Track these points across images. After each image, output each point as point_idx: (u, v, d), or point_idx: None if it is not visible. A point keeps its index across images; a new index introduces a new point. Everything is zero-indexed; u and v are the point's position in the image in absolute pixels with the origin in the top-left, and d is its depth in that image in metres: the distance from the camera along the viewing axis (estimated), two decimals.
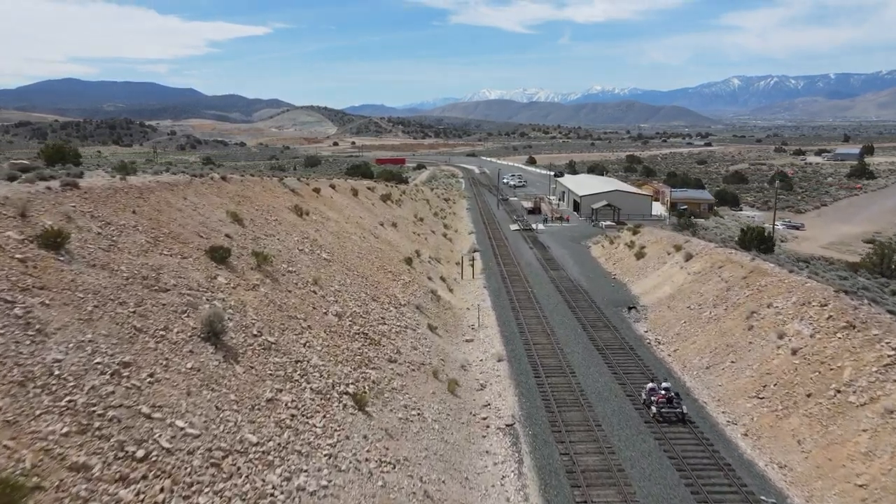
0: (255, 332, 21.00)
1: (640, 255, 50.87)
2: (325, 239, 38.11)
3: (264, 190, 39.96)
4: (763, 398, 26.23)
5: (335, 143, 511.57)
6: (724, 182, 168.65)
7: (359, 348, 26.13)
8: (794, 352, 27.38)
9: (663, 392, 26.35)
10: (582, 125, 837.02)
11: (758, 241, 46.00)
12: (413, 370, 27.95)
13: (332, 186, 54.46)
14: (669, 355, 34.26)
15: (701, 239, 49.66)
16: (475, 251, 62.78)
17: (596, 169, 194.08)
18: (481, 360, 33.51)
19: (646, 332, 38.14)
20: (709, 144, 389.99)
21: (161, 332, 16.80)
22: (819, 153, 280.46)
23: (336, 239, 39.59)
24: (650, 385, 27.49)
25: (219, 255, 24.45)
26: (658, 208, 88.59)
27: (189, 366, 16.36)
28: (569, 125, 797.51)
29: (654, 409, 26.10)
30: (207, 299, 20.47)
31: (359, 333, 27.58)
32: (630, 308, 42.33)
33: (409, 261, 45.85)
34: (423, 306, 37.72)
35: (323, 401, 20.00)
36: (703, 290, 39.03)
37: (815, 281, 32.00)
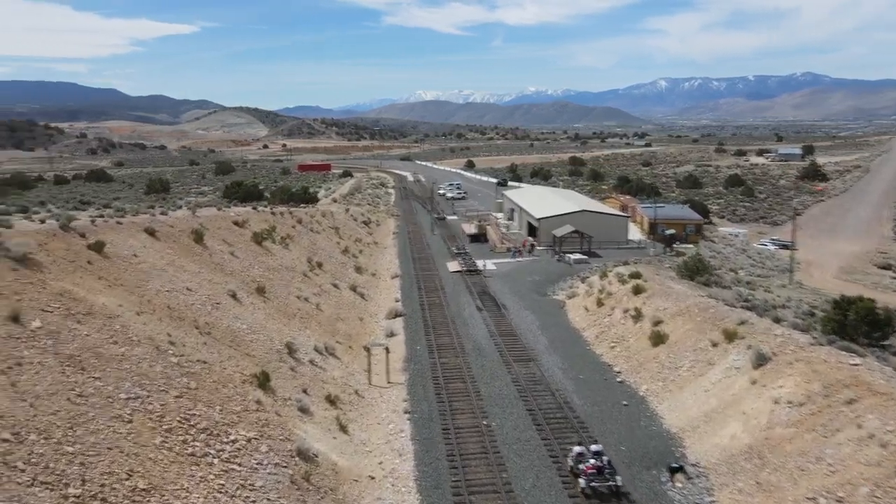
0: None
1: (658, 338, 31.38)
2: (24, 393, 16.68)
3: None
4: None
5: (265, 146, 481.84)
6: (678, 187, 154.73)
7: None
8: None
9: (592, 461, 21.22)
10: (518, 126, 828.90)
11: (868, 327, 27.15)
12: None
13: (150, 232, 32.58)
14: None
15: (762, 315, 30.61)
16: (397, 316, 42.11)
17: (540, 173, 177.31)
18: None
19: None
20: (648, 145, 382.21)
21: None
22: (761, 153, 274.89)
23: (60, 385, 18.12)
24: (577, 449, 22.13)
25: None
26: (634, 231, 70.38)
27: None
28: (505, 126, 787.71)
29: (582, 481, 20.99)
30: None
31: None
32: (674, 470, 22.64)
33: (262, 380, 24.80)
34: None
35: None
36: (831, 452, 19.63)
37: None
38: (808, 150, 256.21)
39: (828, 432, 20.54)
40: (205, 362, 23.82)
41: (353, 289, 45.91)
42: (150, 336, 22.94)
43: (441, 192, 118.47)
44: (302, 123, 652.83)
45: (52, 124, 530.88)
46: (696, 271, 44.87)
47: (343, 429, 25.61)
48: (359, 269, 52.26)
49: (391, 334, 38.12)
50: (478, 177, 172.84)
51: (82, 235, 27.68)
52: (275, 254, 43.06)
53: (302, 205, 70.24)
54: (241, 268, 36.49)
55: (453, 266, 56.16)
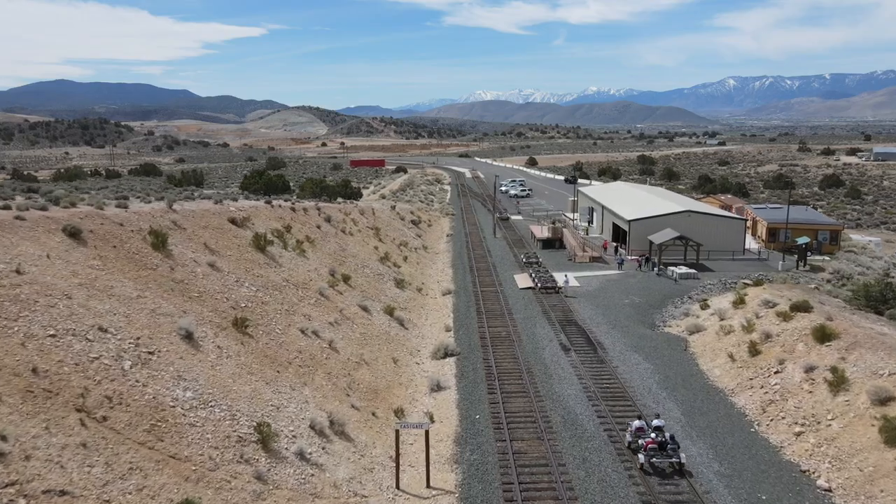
0: None
1: (891, 433, 18.03)
2: None
3: None
4: None
5: (323, 144, 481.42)
6: (766, 187, 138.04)
7: None
8: None
9: (653, 435, 19.28)
10: (579, 126, 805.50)
11: None
12: None
13: (73, 232, 21.24)
14: None
15: None
16: (447, 355, 29.78)
17: (608, 171, 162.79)
18: None
19: None
20: (723, 143, 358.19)
21: None
22: (853, 152, 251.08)
23: None
24: (637, 423, 20.36)
25: None
26: (749, 239, 55.87)
27: None
28: (565, 126, 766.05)
29: (641, 457, 19.14)
30: None
31: None
32: None
33: None
34: None
35: None
36: None
37: None
38: None
39: None
40: (62, 494, 12.08)
41: (390, 312, 33.85)
42: None
43: (503, 188, 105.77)
44: (361, 122, 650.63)
45: (123, 122, 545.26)
46: (881, 300, 30.83)
47: None
48: (400, 284, 40.24)
49: (437, 387, 25.89)
50: (542, 174, 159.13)
51: None
52: (282, 264, 31.43)
53: (339, 200, 58.95)
54: (219, 287, 24.88)
55: (523, 281, 43.43)
